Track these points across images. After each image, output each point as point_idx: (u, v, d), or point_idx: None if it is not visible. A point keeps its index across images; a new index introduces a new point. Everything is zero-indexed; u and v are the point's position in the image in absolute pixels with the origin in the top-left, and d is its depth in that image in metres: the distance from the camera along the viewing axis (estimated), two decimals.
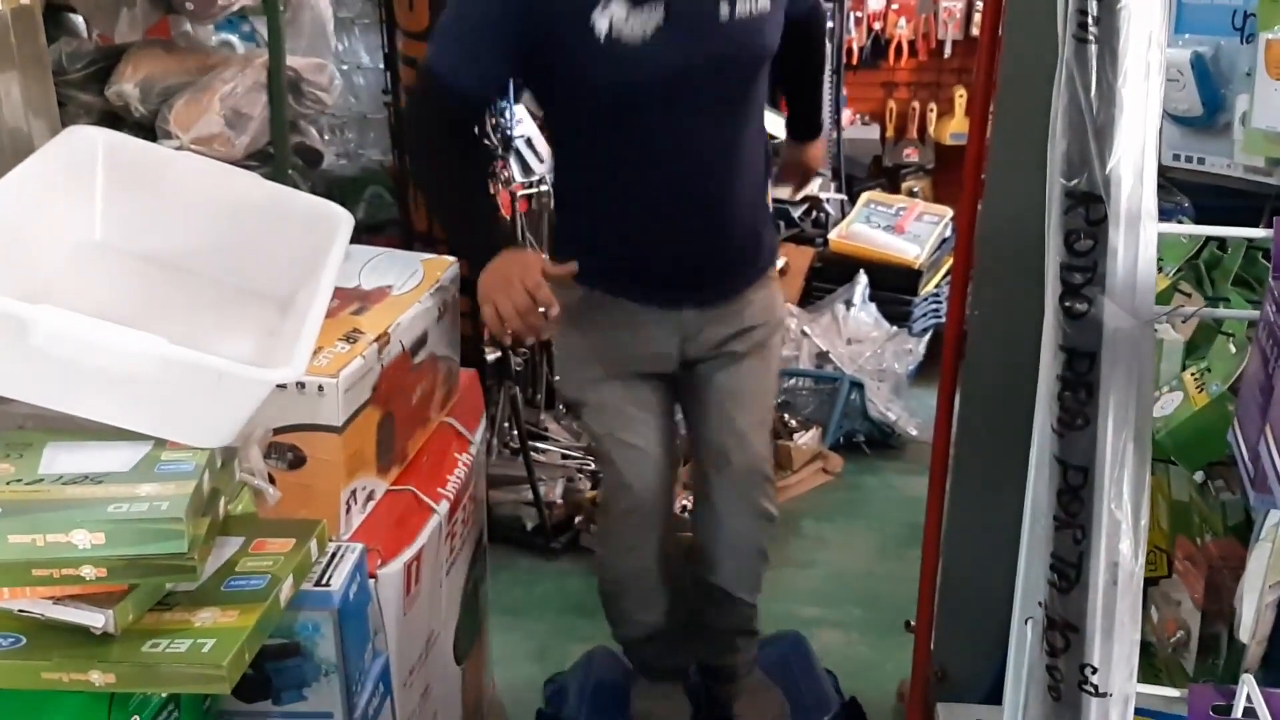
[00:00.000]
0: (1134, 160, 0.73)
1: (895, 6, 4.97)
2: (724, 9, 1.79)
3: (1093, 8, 0.68)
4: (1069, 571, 0.83)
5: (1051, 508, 0.81)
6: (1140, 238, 0.73)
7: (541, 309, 1.77)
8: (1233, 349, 1.30)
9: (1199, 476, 1.47)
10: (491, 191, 1.97)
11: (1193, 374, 1.35)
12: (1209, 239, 1.63)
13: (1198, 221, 1.69)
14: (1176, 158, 1.54)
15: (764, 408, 2.17)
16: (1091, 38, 0.70)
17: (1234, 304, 1.42)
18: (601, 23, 1.72)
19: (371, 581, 1.60)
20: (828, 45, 2.38)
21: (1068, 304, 0.76)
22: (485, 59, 1.80)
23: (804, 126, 2.39)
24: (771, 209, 2.80)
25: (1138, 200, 0.74)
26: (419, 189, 2.06)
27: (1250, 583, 1.01)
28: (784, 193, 2.68)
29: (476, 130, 2.03)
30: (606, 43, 1.73)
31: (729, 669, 2.30)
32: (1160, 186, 0.86)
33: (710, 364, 2.09)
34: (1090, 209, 0.73)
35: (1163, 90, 0.72)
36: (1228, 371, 1.29)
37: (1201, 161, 1.52)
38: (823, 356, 3.94)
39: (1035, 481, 0.86)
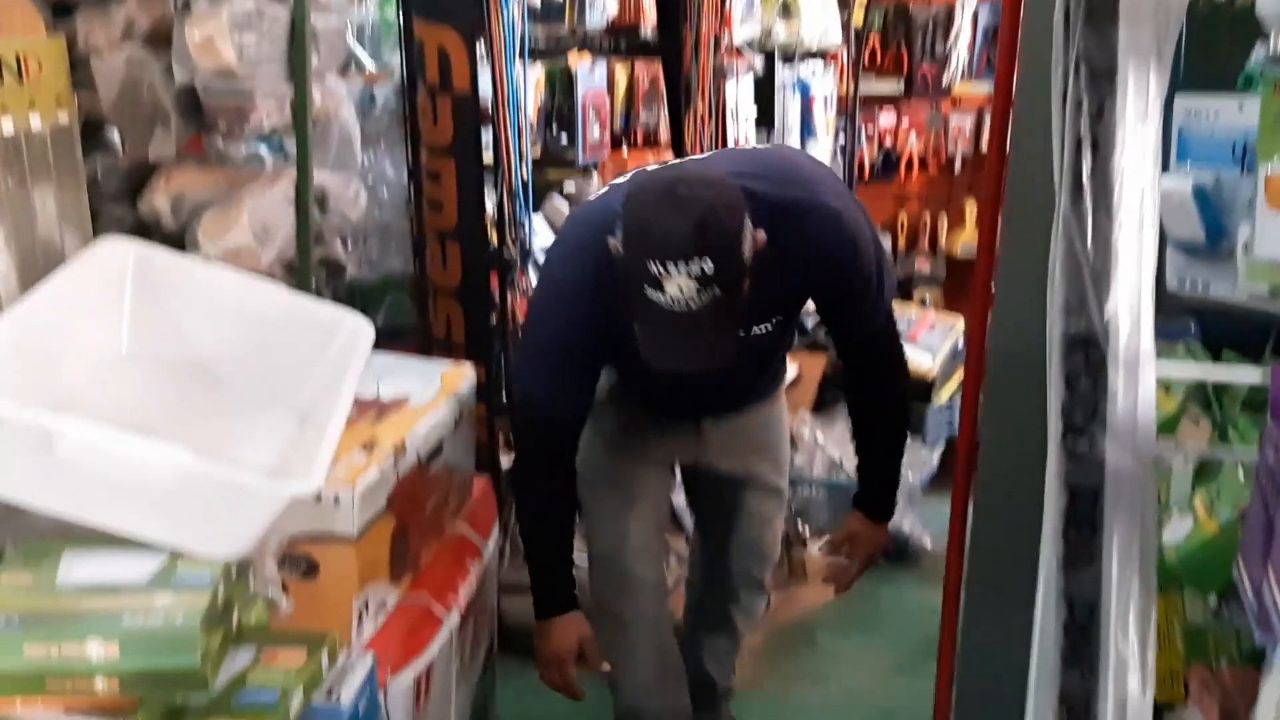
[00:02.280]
0: (1131, 305, 0.75)
1: (906, 123, 5.08)
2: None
3: (1086, 163, 0.71)
4: (1077, 709, 0.82)
5: (1058, 644, 0.82)
6: (1139, 379, 0.75)
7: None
8: (1242, 477, 1.31)
9: (1213, 600, 1.47)
10: (568, 537, 2.06)
11: (1203, 499, 1.36)
12: (1217, 360, 1.65)
13: (1204, 342, 1.71)
14: (1182, 283, 1.56)
15: (779, 454, 2.29)
16: (1086, 191, 0.73)
17: (1241, 428, 1.43)
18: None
19: (381, 693, 1.60)
20: (907, 408, 2.12)
21: (1070, 443, 0.77)
22: (578, 383, 1.93)
23: (871, 500, 2.17)
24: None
25: (1136, 344, 0.76)
26: (519, 523, 2.18)
27: (1262, 716, 1.00)
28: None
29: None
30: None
31: None
32: (1166, 309, 0.88)
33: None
34: (1089, 351, 0.75)
35: (1156, 234, 0.75)
36: (1238, 497, 1.29)
37: (1207, 287, 1.54)
38: (836, 467, 3.93)
39: (1042, 619, 0.86)
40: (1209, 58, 1.67)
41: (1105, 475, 0.76)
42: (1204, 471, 1.46)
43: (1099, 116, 0.71)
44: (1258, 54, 1.64)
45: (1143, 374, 0.75)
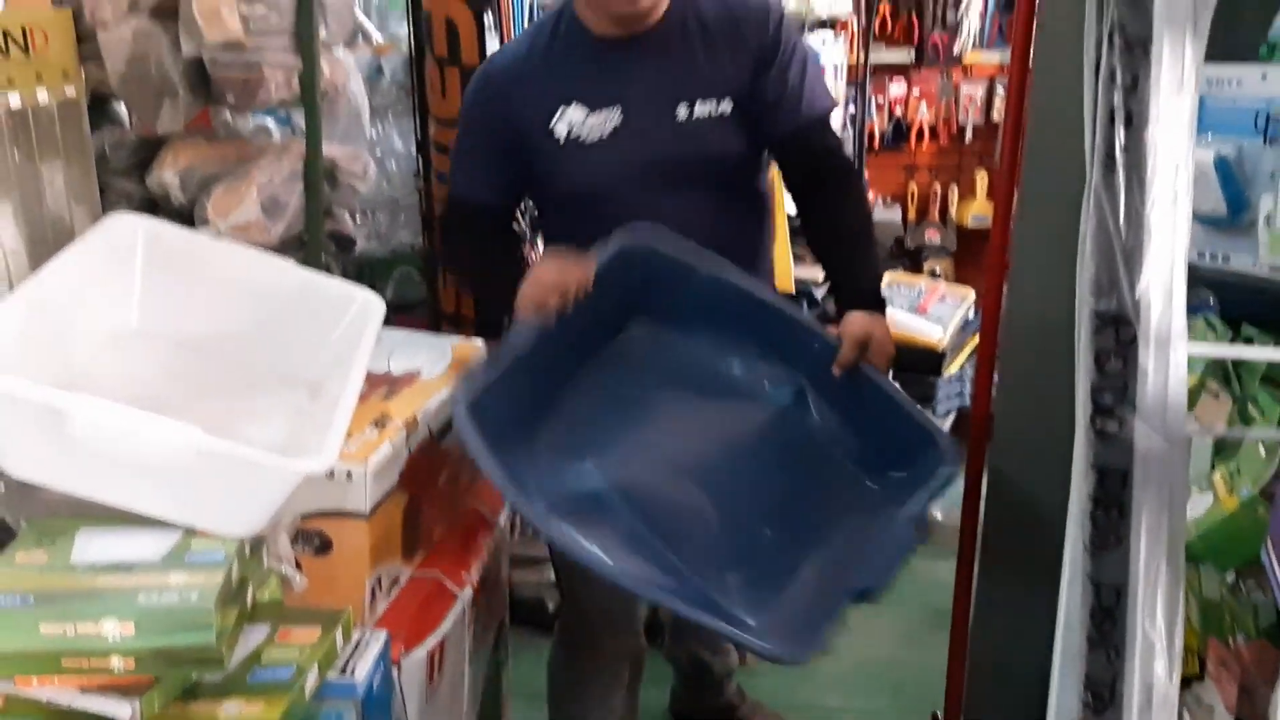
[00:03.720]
0: (1163, 283, 0.74)
1: (916, 93, 5.03)
2: (682, 111, 1.86)
3: (1120, 137, 0.70)
4: (1103, 692, 0.82)
5: (1084, 627, 0.81)
6: (1170, 359, 0.74)
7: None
8: (1263, 452, 1.30)
9: (1230, 576, 1.46)
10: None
11: (1223, 475, 1.34)
12: (1236, 335, 1.64)
13: (1223, 316, 1.69)
14: (1201, 255, 1.54)
15: None
16: (1119, 165, 0.72)
17: (1262, 402, 1.42)
18: (560, 128, 1.86)
19: (395, 669, 1.60)
20: (860, 192, 1.96)
21: (1099, 424, 0.76)
22: (487, 172, 1.97)
23: (862, 292, 1.96)
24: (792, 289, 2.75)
25: (1167, 322, 0.75)
26: (458, 281, 2.26)
27: None
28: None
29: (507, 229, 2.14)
30: (567, 144, 1.86)
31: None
32: (1185, 282, 0.86)
33: None
34: (1120, 330, 0.74)
35: (1189, 210, 0.73)
36: (1258, 474, 1.28)
37: (1227, 260, 1.52)
38: None
39: (1068, 600, 0.86)
40: (1231, 26, 1.64)
41: (1135, 457, 0.75)
42: (1223, 447, 1.45)
43: (1133, 89, 0.69)
44: None
45: (1174, 353, 0.74)
